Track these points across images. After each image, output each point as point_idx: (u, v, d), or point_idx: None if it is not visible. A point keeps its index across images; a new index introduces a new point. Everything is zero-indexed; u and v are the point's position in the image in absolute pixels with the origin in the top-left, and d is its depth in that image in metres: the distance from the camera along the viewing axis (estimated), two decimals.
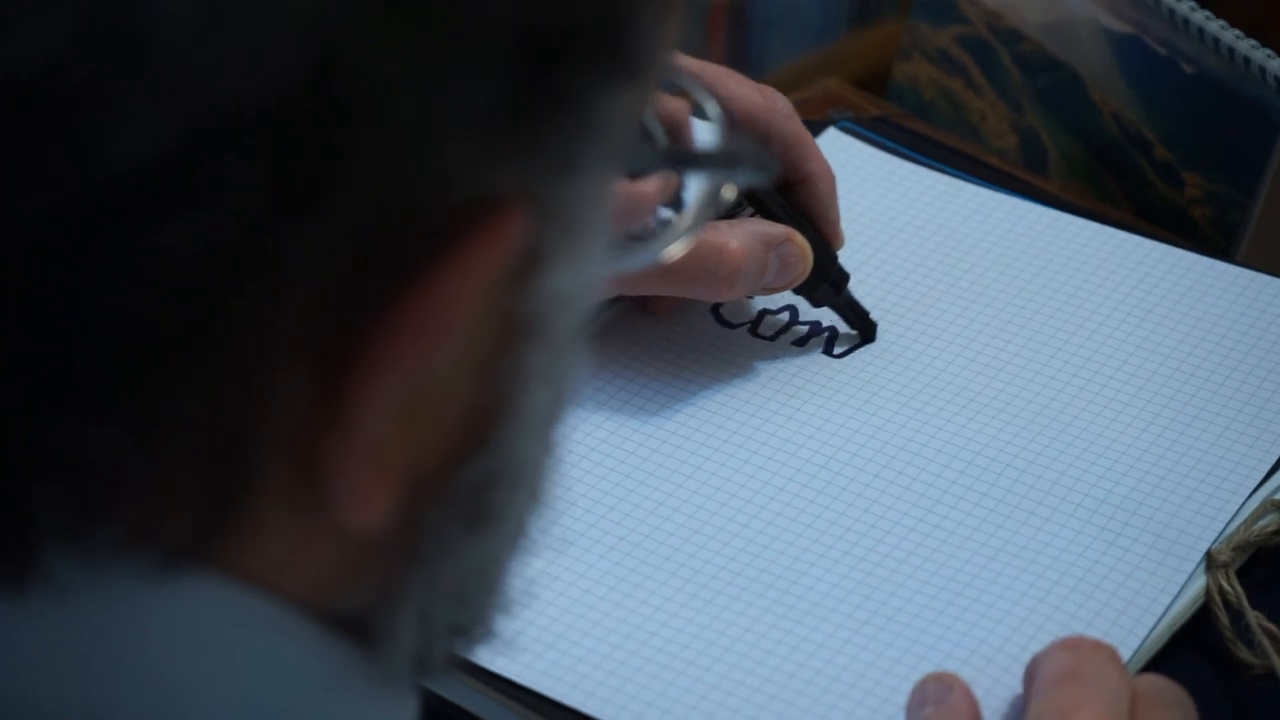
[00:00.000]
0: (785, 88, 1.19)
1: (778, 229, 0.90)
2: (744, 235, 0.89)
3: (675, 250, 0.59)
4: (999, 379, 0.93)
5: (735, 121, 0.59)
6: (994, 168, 1.08)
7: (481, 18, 0.43)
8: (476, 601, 0.53)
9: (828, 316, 0.95)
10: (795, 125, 0.92)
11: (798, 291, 0.93)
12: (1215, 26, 1.05)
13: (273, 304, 0.43)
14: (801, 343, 0.94)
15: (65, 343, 0.42)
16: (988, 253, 1.00)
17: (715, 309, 0.96)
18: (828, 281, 0.93)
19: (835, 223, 0.93)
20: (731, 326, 0.95)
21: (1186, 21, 1.06)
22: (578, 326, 0.50)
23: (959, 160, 1.08)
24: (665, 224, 0.60)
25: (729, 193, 0.59)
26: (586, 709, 0.76)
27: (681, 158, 0.61)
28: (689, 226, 0.59)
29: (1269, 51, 1.04)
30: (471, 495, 0.49)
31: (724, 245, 0.88)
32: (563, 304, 0.48)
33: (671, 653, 0.79)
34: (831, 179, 0.93)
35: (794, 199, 0.92)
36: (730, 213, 0.91)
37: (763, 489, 0.86)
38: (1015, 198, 1.04)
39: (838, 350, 0.94)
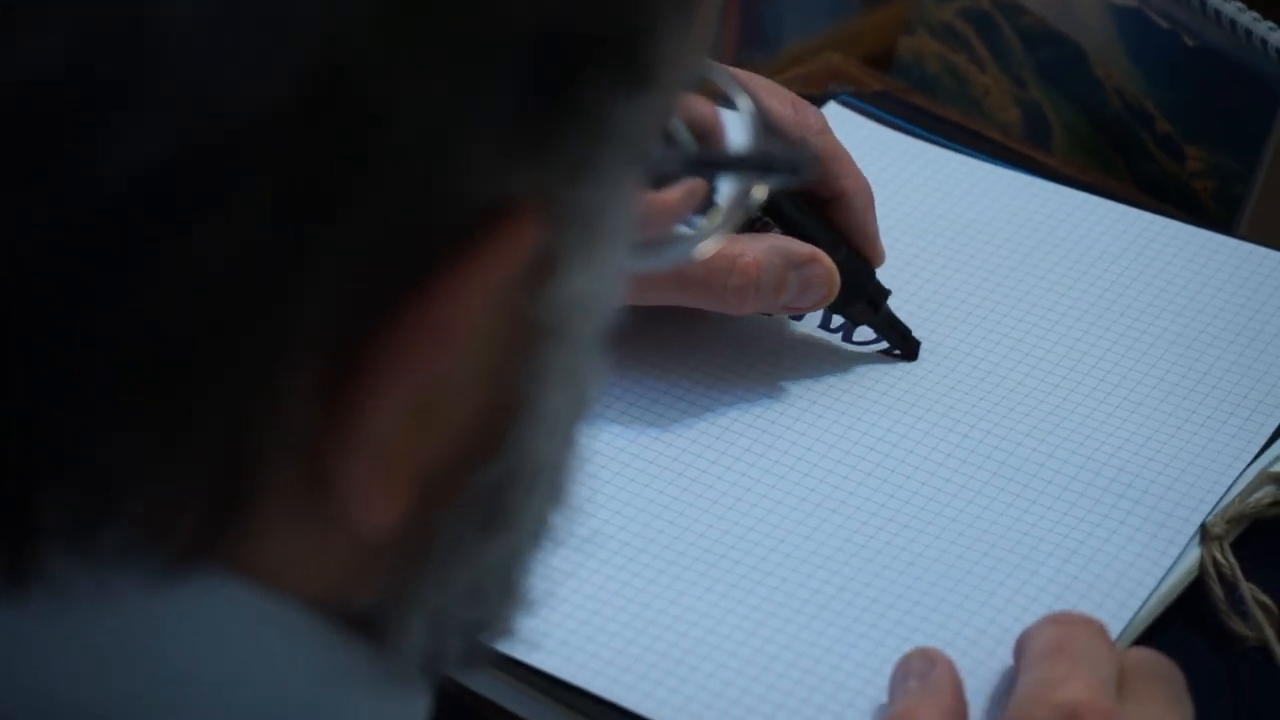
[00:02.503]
0: (797, 64, 1.19)
1: (803, 248, 0.88)
2: (763, 249, 0.87)
3: (703, 251, 0.59)
4: (995, 353, 0.93)
5: (768, 121, 0.58)
6: (995, 142, 1.08)
7: (494, 26, 0.43)
8: (493, 600, 0.52)
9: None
10: (829, 141, 0.91)
11: (833, 309, 0.92)
12: None
13: (285, 310, 0.43)
14: (798, 317, 0.94)
15: (80, 350, 0.42)
16: (986, 227, 1.00)
17: None
18: (864, 299, 0.91)
19: (873, 238, 0.91)
20: None
21: None
22: (598, 329, 0.50)
23: (960, 134, 1.07)
24: (693, 228, 0.60)
25: (759, 194, 0.58)
26: (602, 692, 0.77)
27: (709, 161, 0.60)
28: (717, 228, 0.59)
29: (1270, 24, 1.03)
30: (486, 497, 0.49)
31: (738, 257, 0.87)
32: (581, 307, 0.48)
33: (680, 631, 0.79)
34: (868, 194, 0.91)
35: (829, 216, 0.90)
36: (759, 230, 0.89)
37: (761, 472, 0.86)
38: (1015, 171, 1.04)
39: (834, 325, 0.94)
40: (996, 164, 1.04)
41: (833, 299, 0.90)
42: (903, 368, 0.92)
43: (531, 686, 0.78)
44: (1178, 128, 1.08)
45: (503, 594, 0.53)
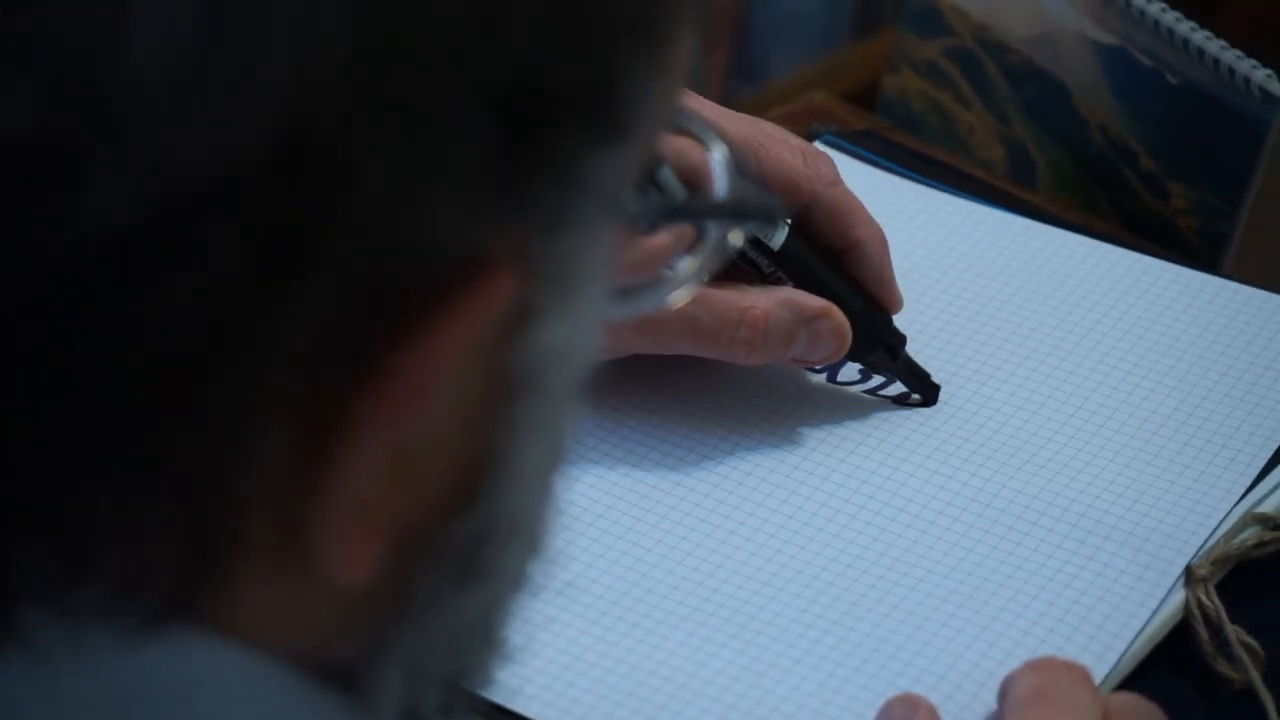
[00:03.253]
0: (782, 101, 1.19)
1: (815, 302, 0.88)
2: (774, 302, 0.87)
3: (679, 297, 0.59)
4: (978, 395, 0.92)
5: (741, 165, 0.59)
6: (979, 180, 1.08)
7: (462, 81, 0.43)
8: (471, 651, 0.52)
9: None
10: (840, 192, 0.90)
11: (852, 358, 0.91)
12: (1200, 37, 1.05)
13: (256, 366, 0.43)
14: None
15: (49, 404, 0.42)
16: (969, 267, 1.00)
17: None
18: (883, 347, 0.91)
19: (889, 285, 0.91)
20: None
21: (1171, 32, 1.06)
22: (573, 379, 0.50)
23: (944, 173, 1.07)
24: (676, 273, 0.60)
25: (736, 239, 0.58)
26: None
27: (683, 209, 0.60)
28: (694, 273, 0.58)
29: (1254, 62, 1.04)
30: (463, 549, 0.49)
31: (748, 309, 0.86)
32: (556, 358, 0.48)
33: (663, 675, 0.79)
34: (882, 242, 0.90)
35: (845, 266, 0.90)
36: (773, 283, 0.89)
37: (745, 515, 0.86)
38: (998, 210, 1.04)
39: (818, 366, 0.94)
40: (980, 202, 1.04)
41: (843, 354, 0.89)
42: (885, 411, 0.91)
43: None
44: (1161, 165, 1.08)
45: (481, 644, 0.53)
